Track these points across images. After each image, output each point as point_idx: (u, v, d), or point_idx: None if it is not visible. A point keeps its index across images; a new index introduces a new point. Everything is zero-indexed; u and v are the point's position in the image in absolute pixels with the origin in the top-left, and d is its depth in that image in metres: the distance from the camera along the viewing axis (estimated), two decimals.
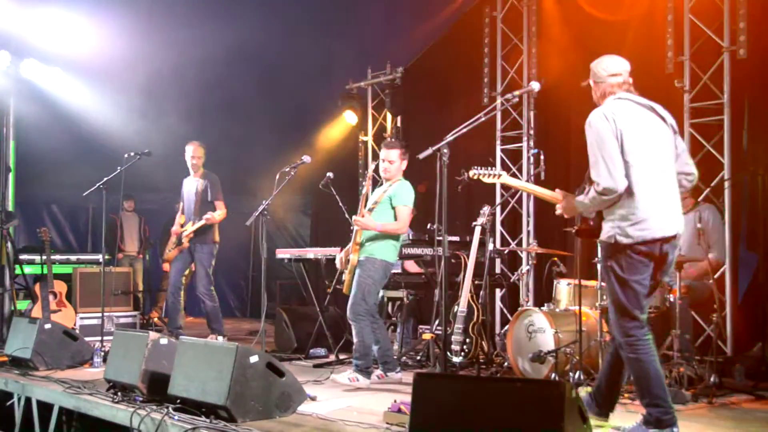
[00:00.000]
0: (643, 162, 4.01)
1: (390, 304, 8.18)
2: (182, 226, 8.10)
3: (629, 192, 3.98)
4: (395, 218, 5.82)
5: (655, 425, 3.93)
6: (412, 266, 7.56)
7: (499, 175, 4.76)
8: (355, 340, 5.74)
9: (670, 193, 4.09)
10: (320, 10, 9.10)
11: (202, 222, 7.79)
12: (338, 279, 6.10)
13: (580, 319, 5.48)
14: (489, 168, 4.78)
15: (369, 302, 5.71)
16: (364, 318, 5.69)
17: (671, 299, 5.49)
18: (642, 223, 3.97)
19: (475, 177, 4.71)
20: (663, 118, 4.17)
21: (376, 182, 6.32)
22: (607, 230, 4.06)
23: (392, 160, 5.91)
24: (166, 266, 12.36)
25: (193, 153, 8.11)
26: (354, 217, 5.82)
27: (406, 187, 5.90)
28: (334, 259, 6.50)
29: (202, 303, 7.94)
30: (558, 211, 4.40)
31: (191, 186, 8.17)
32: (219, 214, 7.89)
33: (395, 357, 6.18)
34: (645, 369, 3.98)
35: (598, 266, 5.27)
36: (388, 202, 5.83)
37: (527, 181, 8.61)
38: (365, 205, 5.97)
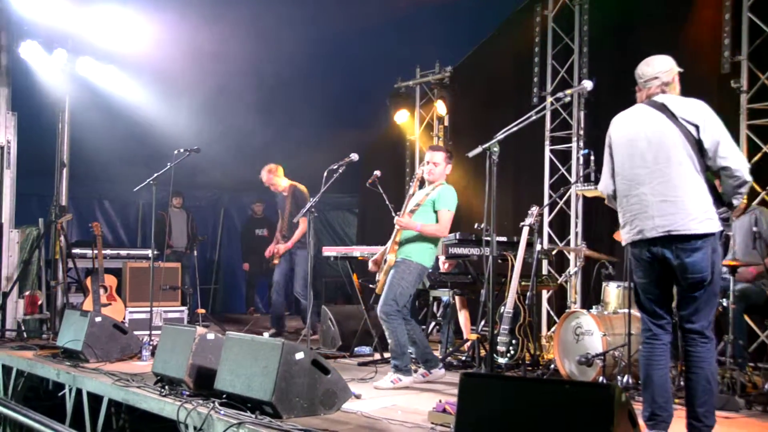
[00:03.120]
0: (626, 166, 4.07)
1: (435, 304, 8.15)
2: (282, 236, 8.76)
3: (618, 196, 4.15)
4: (437, 221, 5.77)
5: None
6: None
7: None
8: (389, 340, 5.67)
9: (661, 193, 3.93)
10: (370, 8, 9.09)
11: (285, 248, 8.55)
12: (373, 278, 6.07)
13: (630, 322, 5.37)
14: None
15: (400, 303, 5.64)
16: (396, 317, 5.61)
17: (724, 304, 5.36)
18: (625, 227, 4.10)
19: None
20: (674, 116, 3.94)
21: (422, 184, 6.28)
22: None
23: (437, 162, 5.89)
24: (246, 265, 12.71)
25: (265, 182, 8.74)
26: (396, 218, 5.78)
27: (449, 191, 5.85)
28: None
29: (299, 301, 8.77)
30: None
31: (282, 203, 8.80)
32: (297, 234, 8.47)
33: (436, 354, 6.12)
34: (644, 369, 4.03)
35: None
36: (431, 205, 5.79)
37: (576, 182, 8.50)
38: (408, 206, 5.94)
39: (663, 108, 4.00)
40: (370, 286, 6.18)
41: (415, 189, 6.02)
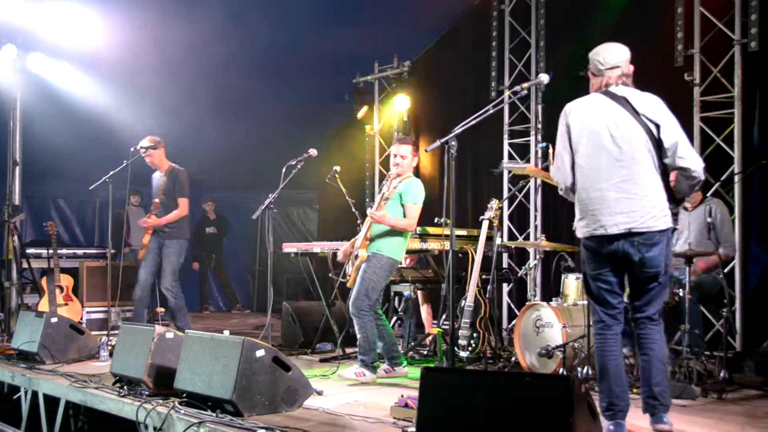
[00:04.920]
0: (588, 159, 4.00)
1: (396, 299, 8.16)
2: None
3: (577, 188, 4.07)
4: (404, 215, 5.77)
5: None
6: None
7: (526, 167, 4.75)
8: (358, 335, 5.70)
9: (623, 190, 3.94)
10: (328, 2, 9.06)
11: (156, 222, 7.55)
12: (343, 273, 6.05)
13: (589, 313, 5.42)
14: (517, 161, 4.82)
15: (372, 298, 5.67)
16: (368, 313, 5.65)
17: (680, 294, 5.45)
18: (582, 220, 4.05)
19: (505, 170, 4.71)
20: (636, 112, 3.96)
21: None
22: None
23: (404, 155, 5.87)
24: (195, 265, 12.58)
25: (147, 147, 7.66)
26: (370, 210, 5.75)
27: (417, 184, 5.85)
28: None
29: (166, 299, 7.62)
30: None
31: (157, 182, 7.79)
32: (173, 214, 7.57)
33: (401, 351, 6.16)
34: (598, 360, 4.05)
35: None
36: (398, 198, 5.79)
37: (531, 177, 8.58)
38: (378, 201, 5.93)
39: (625, 102, 3.99)
40: (341, 280, 6.15)
41: (388, 187, 5.97)
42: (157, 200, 7.65)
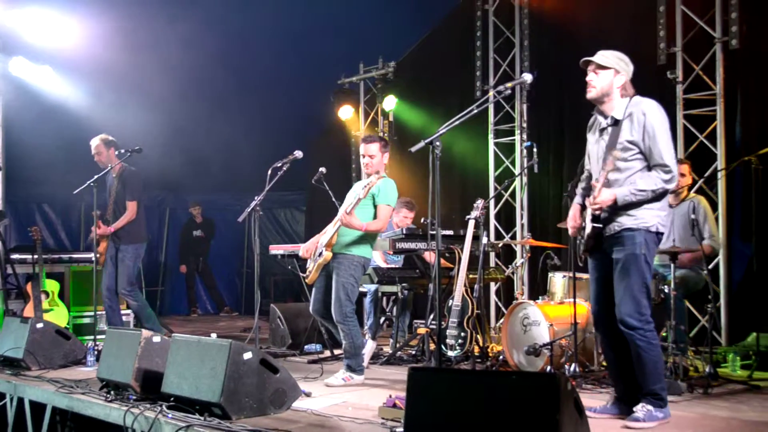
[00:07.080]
0: None
1: (385, 299, 8.15)
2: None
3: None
4: (375, 216, 5.67)
5: (664, 406, 4.13)
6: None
7: None
8: (344, 342, 5.61)
9: None
10: (312, 3, 9.06)
11: (107, 230, 7.36)
12: (303, 268, 5.95)
13: (575, 311, 5.46)
14: None
15: (353, 301, 5.60)
16: (352, 318, 5.57)
17: (666, 290, 5.48)
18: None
19: None
20: None
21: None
22: (648, 218, 4.16)
23: (372, 154, 5.73)
24: (183, 268, 12.58)
25: (93, 150, 7.55)
26: (344, 214, 5.58)
27: (390, 185, 5.73)
28: None
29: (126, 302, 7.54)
30: (596, 207, 4.22)
31: (109, 185, 7.59)
32: (122, 219, 7.38)
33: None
34: (659, 353, 4.20)
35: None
36: (371, 198, 5.66)
37: (520, 174, 8.61)
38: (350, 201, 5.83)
39: None
40: (301, 275, 6.08)
41: (366, 192, 5.87)
42: (110, 205, 7.49)
